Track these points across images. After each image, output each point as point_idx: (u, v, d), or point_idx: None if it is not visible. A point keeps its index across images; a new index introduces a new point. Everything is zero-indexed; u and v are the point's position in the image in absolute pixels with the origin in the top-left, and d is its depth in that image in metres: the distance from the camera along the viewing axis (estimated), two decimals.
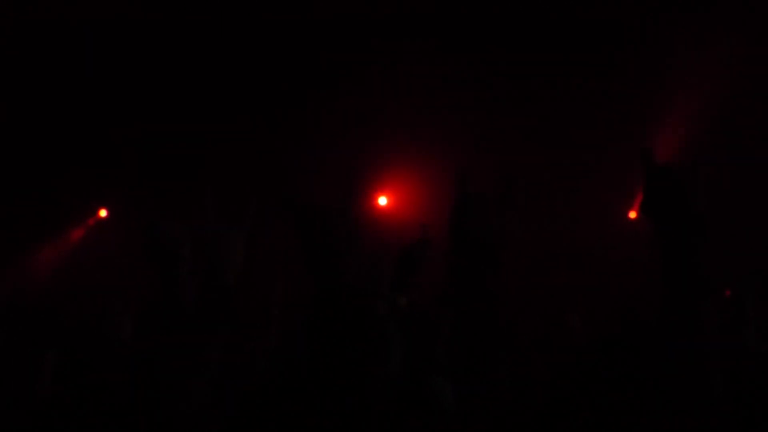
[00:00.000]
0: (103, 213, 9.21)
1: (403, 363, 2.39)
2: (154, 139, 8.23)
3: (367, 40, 7.82)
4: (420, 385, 1.98)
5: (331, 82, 8.15)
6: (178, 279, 2.18)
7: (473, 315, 1.90)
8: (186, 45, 7.91)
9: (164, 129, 8.00)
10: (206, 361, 2.00)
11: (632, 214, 8.42)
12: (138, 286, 3.35)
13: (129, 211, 8.55)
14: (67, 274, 8.47)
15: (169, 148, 8.16)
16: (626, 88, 7.66)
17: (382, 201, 9.18)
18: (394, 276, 2.71)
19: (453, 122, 8.12)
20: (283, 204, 2.24)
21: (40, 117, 8.26)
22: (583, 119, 7.89)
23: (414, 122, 8.36)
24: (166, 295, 2.14)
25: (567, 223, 8.19)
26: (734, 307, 3.49)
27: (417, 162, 8.62)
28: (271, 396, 2.10)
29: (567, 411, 2.15)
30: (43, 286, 8.09)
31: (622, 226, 8.42)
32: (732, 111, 7.54)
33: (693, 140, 7.22)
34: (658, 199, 1.81)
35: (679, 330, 1.67)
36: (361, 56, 7.90)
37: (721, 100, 7.40)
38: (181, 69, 8.04)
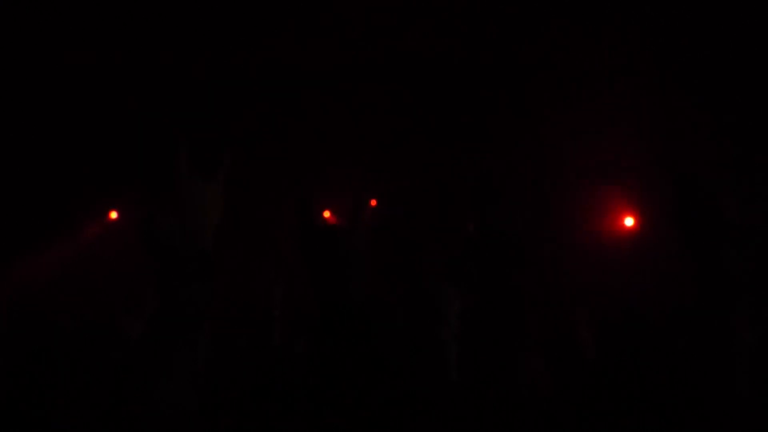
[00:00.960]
0: (113, 215, 9.19)
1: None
2: (155, 139, 8.22)
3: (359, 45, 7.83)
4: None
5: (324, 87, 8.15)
6: (176, 273, 2.17)
7: (497, 311, 1.90)
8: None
9: (165, 129, 7.99)
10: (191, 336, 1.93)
11: (629, 221, 8.33)
12: (144, 287, 3.35)
13: (136, 211, 8.55)
14: (74, 275, 8.45)
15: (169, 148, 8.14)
16: (631, 89, 7.65)
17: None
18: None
19: (452, 121, 8.12)
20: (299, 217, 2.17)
21: (42, 117, 8.25)
22: (586, 119, 7.88)
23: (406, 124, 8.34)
24: (163, 288, 2.14)
25: (575, 221, 8.17)
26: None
27: (406, 163, 8.58)
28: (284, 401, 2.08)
29: (577, 407, 2.16)
30: (45, 287, 8.08)
31: (627, 226, 8.40)
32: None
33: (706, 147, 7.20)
34: (689, 208, 1.82)
35: (711, 333, 1.68)
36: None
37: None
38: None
